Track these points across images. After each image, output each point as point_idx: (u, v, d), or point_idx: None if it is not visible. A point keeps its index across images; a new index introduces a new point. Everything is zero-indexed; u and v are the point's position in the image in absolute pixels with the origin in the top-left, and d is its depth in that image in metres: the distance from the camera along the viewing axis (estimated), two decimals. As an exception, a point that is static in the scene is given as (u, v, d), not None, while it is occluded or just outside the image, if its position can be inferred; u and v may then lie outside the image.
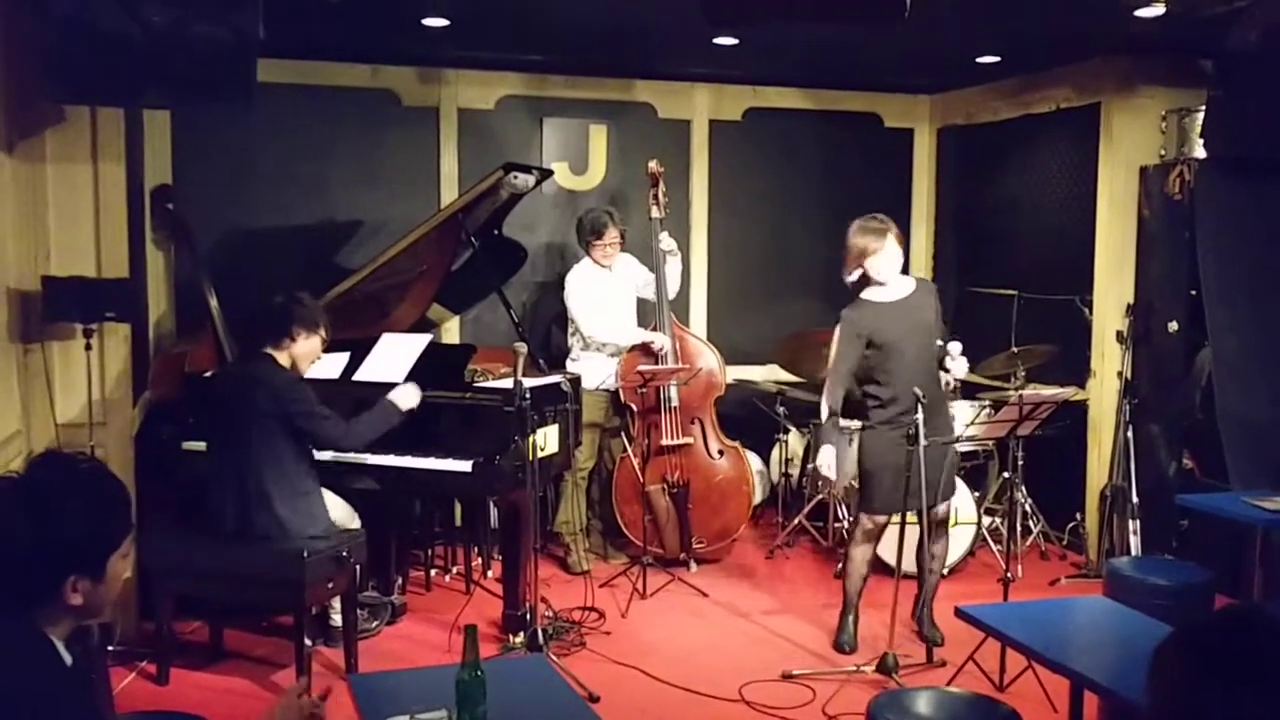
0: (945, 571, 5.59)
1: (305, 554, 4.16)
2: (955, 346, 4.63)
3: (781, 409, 6.57)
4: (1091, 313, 6.16)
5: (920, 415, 4.24)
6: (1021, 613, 3.70)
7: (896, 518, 4.80)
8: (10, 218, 4.26)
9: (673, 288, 6.00)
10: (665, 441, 5.85)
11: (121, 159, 4.69)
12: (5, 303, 4.21)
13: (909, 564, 4.88)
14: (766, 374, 6.92)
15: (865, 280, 4.72)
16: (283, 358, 4.34)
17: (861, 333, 4.67)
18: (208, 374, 5.04)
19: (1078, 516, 6.24)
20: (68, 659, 2.04)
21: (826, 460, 4.79)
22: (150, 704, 4.25)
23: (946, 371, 4.72)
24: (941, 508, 4.77)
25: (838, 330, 4.74)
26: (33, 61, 4.14)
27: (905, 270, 4.83)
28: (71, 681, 2.04)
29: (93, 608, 2.05)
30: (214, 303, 5.44)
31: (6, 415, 4.24)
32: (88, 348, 4.50)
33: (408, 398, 4.57)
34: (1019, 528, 5.86)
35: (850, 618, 4.89)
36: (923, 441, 4.26)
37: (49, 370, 4.53)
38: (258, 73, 3.97)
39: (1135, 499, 5.77)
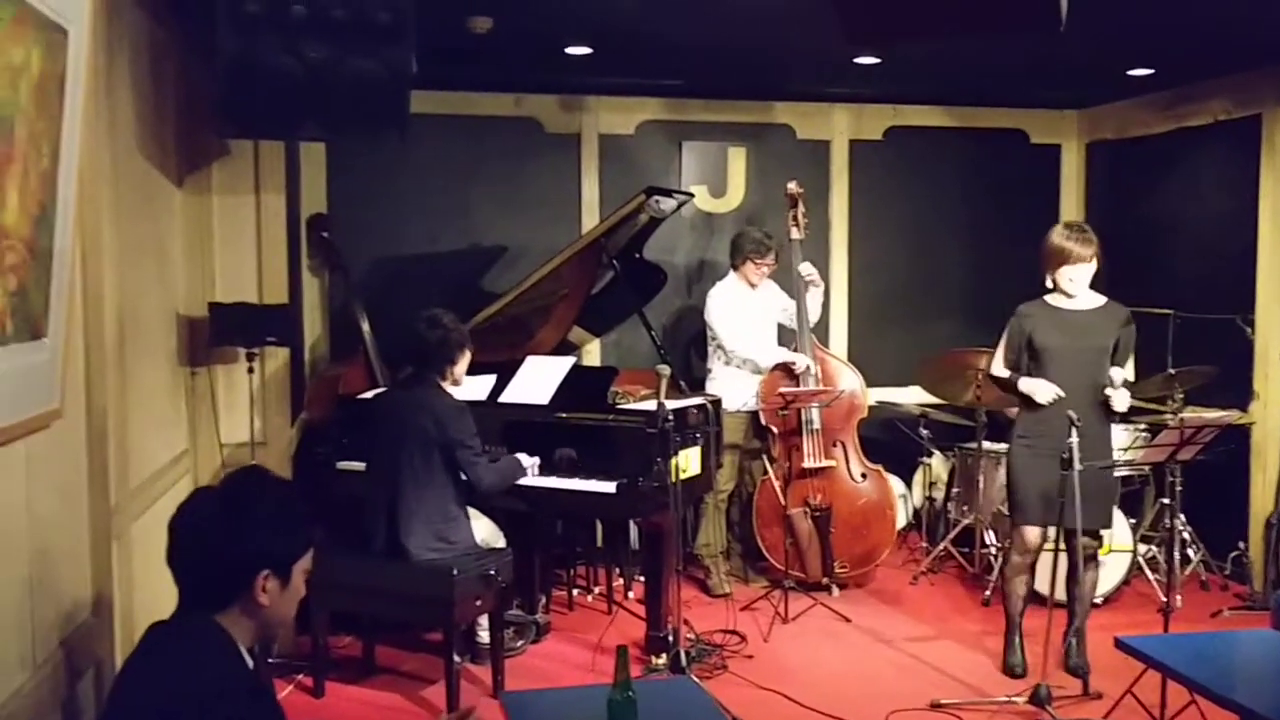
0: (1099, 600, 5.42)
1: (455, 572, 4.24)
2: (1118, 374, 4.43)
3: (925, 432, 6.45)
4: (1254, 332, 5.90)
5: (1075, 439, 4.10)
6: (1185, 644, 3.56)
7: (1050, 544, 4.69)
8: (181, 248, 4.50)
9: (813, 316, 5.97)
10: (807, 464, 5.80)
11: (281, 190, 4.90)
12: (175, 328, 4.44)
13: (1062, 593, 4.74)
14: (909, 396, 6.81)
15: (1053, 286, 4.66)
16: (447, 383, 4.46)
17: (1025, 328, 4.64)
18: (365, 395, 5.19)
19: (1241, 545, 5.96)
20: (250, 663, 2.15)
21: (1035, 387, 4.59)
22: (307, 716, 4.39)
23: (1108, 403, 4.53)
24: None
25: (1007, 327, 4.72)
26: (202, 101, 4.37)
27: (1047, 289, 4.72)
28: (257, 684, 2.15)
29: (276, 614, 2.17)
30: (366, 327, 5.62)
31: (175, 435, 4.46)
32: (250, 371, 4.71)
33: (530, 463, 4.69)
34: (1177, 556, 5.63)
35: (1016, 639, 4.79)
36: (1077, 466, 4.12)
37: (214, 392, 4.75)
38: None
39: (1304, 528, 5.49)
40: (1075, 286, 4.58)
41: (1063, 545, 4.38)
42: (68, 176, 2.53)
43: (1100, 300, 4.67)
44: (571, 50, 5.59)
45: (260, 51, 3.85)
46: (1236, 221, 6.06)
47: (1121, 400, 4.46)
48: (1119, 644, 3.35)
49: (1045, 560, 4.68)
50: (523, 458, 4.68)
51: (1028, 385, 4.60)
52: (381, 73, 4.00)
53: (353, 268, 5.97)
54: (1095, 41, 5.09)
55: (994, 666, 4.87)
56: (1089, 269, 4.58)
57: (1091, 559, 4.70)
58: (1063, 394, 4.52)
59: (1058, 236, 4.61)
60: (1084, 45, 5.11)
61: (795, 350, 5.90)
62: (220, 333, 4.61)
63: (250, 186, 4.81)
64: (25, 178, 2.24)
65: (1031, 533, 4.66)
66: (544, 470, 4.78)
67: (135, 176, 3.83)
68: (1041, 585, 5.12)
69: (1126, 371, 4.59)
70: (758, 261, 5.92)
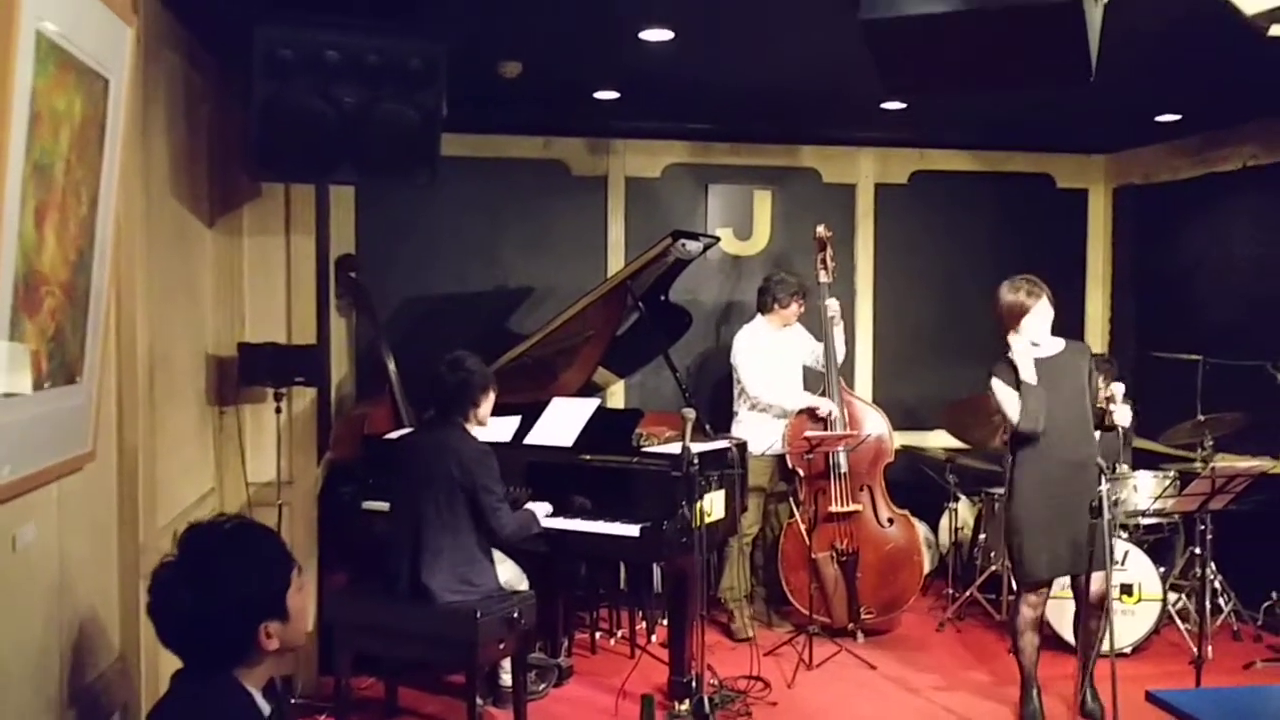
0: (1129, 649, 5.36)
1: (478, 614, 4.22)
2: (1119, 388, 4.40)
3: (951, 477, 6.41)
4: (1285, 379, 5.84)
5: (1105, 486, 4.08)
6: (1219, 699, 3.49)
7: (1058, 589, 4.68)
8: (211, 288, 4.54)
9: (840, 353, 5.97)
10: (834, 508, 5.77)
11: (312, 232, 4.94)
12: (205, 367, 4.47)
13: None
14: (934, 440, 6.77)
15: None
16: (471, 425, 4.46)
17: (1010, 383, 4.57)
18: (391, 436, 5.19)
19: (1274, 595, 5.87)
20: (266, 709, 2.15)
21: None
22: (329, 758, 4.37)
23: (1107, 425, 4.50)
24: (1096, 579, 4.50)
25: (992, 387, 4.61)
26: (235, 143, 4.43)
27: (1075, 334, 4.69)
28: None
29: (287, 646, 2.17)
30: (392, 367, 5.64)
31: (202, 474, 4.48)
32: (278, 410, 4.72)
33: (543, 513, 4.65)
34: (1208, 606, 5.55)
35: (1033, 691, 4.71)
36: (1106, 515, 4.09)
37: (241, 431, 4.77)
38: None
39: (1338, 578, 5.41)
40: (1041, 335, 4.55)
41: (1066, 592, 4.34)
42: (105, 221, 2.56)
43: (1060, 342, 4.63)
44: (599, 94, 5.64)
45: (294, 96, 3.90)
46: (1266, 267, 6.03)
47: (1124, 415, 4.42)
48: (1150, 697, 3.29)
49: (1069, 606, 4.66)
50: (537, 510, 4.64)
51: (1024, 365, 4.48)
52: (413, 116, 4.05)
53: (380, 308, 6.00)
54: (1123, 87, 5.10)
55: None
56: (1048, 313, 4.55)
57: (1100, 611, 4.61)
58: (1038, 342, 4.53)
59: (1010, 293, 4.57)
60: (1111, 91, 5.11)
61: (823, 393, 5.89)
62: (249, 372, 4.63)
63: (281, 227, 4.85)
64: (64, 224, 2.27)
65: (1044, 585, 4.62)
66: (565, 513, 4.77)
67: (168, 218, 3.87)
68: (1065, 631, 5.09)
69: (1123, 391, 4.51)
70: (792, 304, 5.93)
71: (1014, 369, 4.53)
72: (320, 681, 4.83)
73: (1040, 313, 4.52)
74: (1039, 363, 4.55)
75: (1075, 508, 4.37)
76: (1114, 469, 4.35)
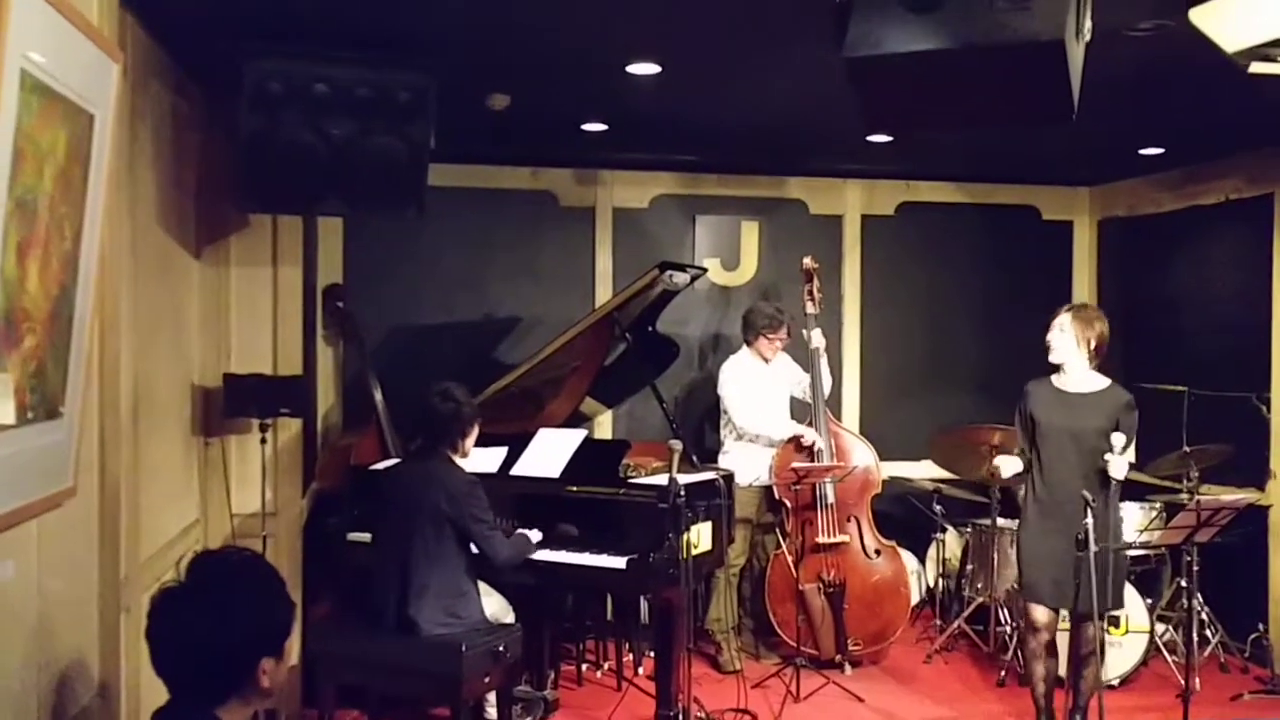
0: (1116, 681, 5.35)
1: (464, 648, 4.20)
2: (1118, 439, 4.38)
3: (938, 507, 6.41)
4: (1269, 410, 5.86)
5: (1090, 520, 4.07)
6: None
7: (1065, 622, 4.65)
8: (197, 318, 4.53)
9: (826, 385, 5.98)
10: (821, 539, 5.76)
11: (299, 262, 4.94)
12: (190, 398, 4.45)
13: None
14: (921, 471, 6.78)
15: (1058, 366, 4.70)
16: (457, 456, 4.45)
17: (1027, 406, 4.70)
18: (377, 467, 5.17)
19: (1260, 627, 5.87)
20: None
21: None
22: (312, 793, 4.33)
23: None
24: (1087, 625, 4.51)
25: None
26: (223, 173, 4.43)
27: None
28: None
29: (274, 687, 2.14)
30: (379, 397, 5.62)
31: (187, 505, 4.46)
32: (263, 442, 4.71)
33: (536, 537, 4.66)
34: (1195, 637, 5.55)
35: None
36: (1093, 548, 4.08)
37: (226, 463, 4.75)
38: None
39: (1324, 610, 5.41)
40: (1053, 353, 4.65)
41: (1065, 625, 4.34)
42: (89, 255, 2.55)
43: (1103, 383, 4.66)
44: (587, 126, 5.66)
45: (283, 128, 3.91)
46: (1250, 299, 6.06)
47: (1117, 467, 4.39)
48: (1137, 733, 3.29)
49: (1063, 641, 4.65)
50: (531, 534, 4.65)
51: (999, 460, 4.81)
52: (401, 149, 4.06)
53: (367, 337, 5.99)
54: (1107, 122, 5.13)
55: (1009, 750, 4.80)
56: (1065, 327, 4.63)
57: (1092, 653, 4.60)
58: (1018, 469, 4.74)
59: None
60: (1095, 125, 5.15)
61: (809, 425, 5.89)
62: (235, 403, 4.62)
63: (268, 258, 4.84)
64: (47, 260, 2.26)
65: (1040, 611, 4.61)
66: (551, 545, 4.76)
67: (154, 248, 3.87)
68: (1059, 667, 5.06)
69: (1122, 443, 4.49)
70: (770, 337, 5.94)
71: (1047, 388, 4.67)
72: (304, 714, 4.80)
73: (1056, 326, 4.65)
74: (1071, 395, 4.60)
75: (1069, 541, 4.36)
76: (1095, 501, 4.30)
